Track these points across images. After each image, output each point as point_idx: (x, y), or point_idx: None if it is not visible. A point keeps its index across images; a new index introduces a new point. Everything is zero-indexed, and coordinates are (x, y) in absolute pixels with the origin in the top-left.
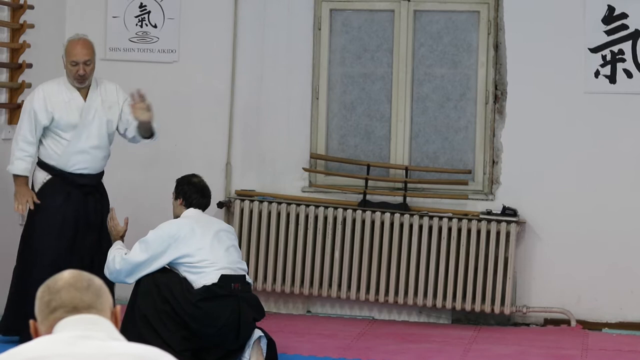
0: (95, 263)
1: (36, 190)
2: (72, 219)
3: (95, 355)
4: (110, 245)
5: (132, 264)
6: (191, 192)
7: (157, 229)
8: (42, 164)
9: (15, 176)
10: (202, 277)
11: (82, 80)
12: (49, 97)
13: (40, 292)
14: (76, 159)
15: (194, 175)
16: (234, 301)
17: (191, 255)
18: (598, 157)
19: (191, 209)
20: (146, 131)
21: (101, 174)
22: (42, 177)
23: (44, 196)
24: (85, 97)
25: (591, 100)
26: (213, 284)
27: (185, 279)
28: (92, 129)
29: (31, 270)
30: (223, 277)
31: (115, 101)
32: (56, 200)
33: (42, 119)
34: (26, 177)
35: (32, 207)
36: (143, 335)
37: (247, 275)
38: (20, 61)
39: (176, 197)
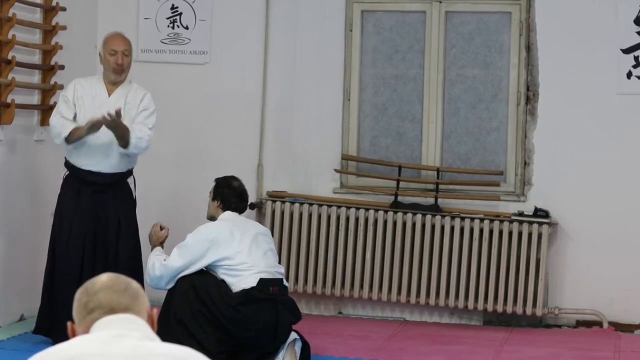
0: (110, 265)
1: (63, 176)
2: (80, 217)
3: (130, 355)
4: (128, 245)
5: (172, 270)
6: (230, 196)
7: (196, 232)
8: (65, 161)
9: (72, 133)
10: (240, 280)
11: (119, 71)
12: (78, 90)
13: (78, 294)
14: (87, 155)
15: (234, 179)
16: (272, 305)
17: (230, 258)
18: (630, 158)
19: (228, 212)
20: (120, 139)
21: (118, 175)
22: (64, 174)
23: (61, 192)
24: (110, 95)
25: (623, 101)
26: (252, 288)
27: (223, 282)
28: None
29: (53, 268)
30: (262, 281)
31: (137, 105)
32: (67, 198)
33: (71, 107)
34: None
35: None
36: (178, 337)
37: (284, 279)
38: (52, 63)
39: (214, 198)
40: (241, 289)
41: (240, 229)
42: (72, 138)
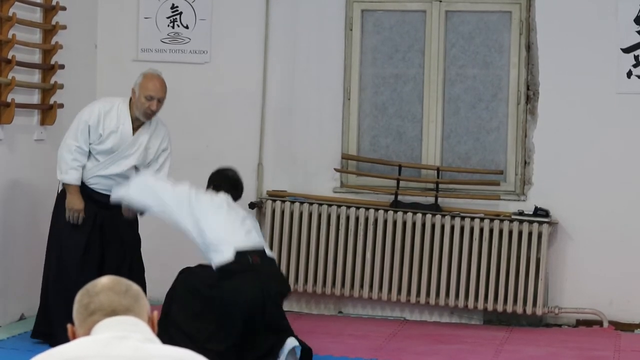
0: (122, 274)
1: (58, 191)
2: (84, 228)
3: (131, 357)
4: (132, 257)
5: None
6: (220, 181)
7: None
8: None
9: (68, 185)
10: (218, 256)
11: (150, 116)
12: (103, 118)
13: (79, 295)
14: (99, 180)
15: (228, 169)
16: (254, 276)
17: (207, 220)
18: (630, 158)
19: (222, 193)
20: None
21: None
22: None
23: (61, 202)
24: (134, 128)
25: (623, 100)
26: (229, 262)
27: (209, 267)
28: (126, 161)
29: (50, 277)
30: (238, 254)
31: (157, 145)
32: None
33: (93, 137)
34: (78, 186)
35: (79, 222)
36: (177, 343)
37: (267, 250)
38: (52, 62)
39: (207, 188)
40: (218, 265)
41: (230, 207)
42: (65, 186)
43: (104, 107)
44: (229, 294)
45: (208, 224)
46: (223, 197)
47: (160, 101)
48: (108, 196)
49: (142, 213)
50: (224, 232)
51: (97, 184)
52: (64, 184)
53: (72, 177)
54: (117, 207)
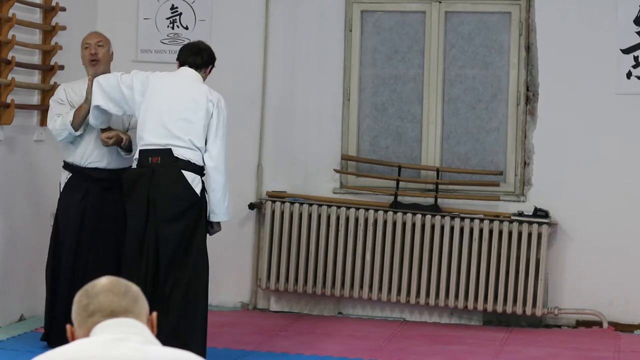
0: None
1: (61, 189)
2: (91, 214)
3: (131, 359)
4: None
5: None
6: (181, 52)
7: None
8: (65, 164)
9: (77, 114)
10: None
11: (95, 63)
12: (70, 93)
13: (78, 296)
14: (89, 153)
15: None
16: (147, 176)
17: (139, 115)
18: (630, 159)
19: (185, 67)
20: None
21: (122, 170)
22: (65, 176)
23: (65, 195)
24: None
25: (623, 101)
26: (129, 167)
27: None
28: None
29: (57, 268)
30: (141, 153)
31: None
32: (75, 197)
33: (66, 107)
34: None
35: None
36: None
37: (174, 149)
38: (51, 63)
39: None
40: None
41: (169, 95)
42: (78, 120)
43: (67, 85)
44: (126, 196)
45: (139, 116)
46: (167, 79)
47: (100, 44)
48: (108, 171)
49: (128, 149)
50: (143, 127)
51: (90, 159)
52: (74, 122)
53: (70, 115)
54: (116, 189)
